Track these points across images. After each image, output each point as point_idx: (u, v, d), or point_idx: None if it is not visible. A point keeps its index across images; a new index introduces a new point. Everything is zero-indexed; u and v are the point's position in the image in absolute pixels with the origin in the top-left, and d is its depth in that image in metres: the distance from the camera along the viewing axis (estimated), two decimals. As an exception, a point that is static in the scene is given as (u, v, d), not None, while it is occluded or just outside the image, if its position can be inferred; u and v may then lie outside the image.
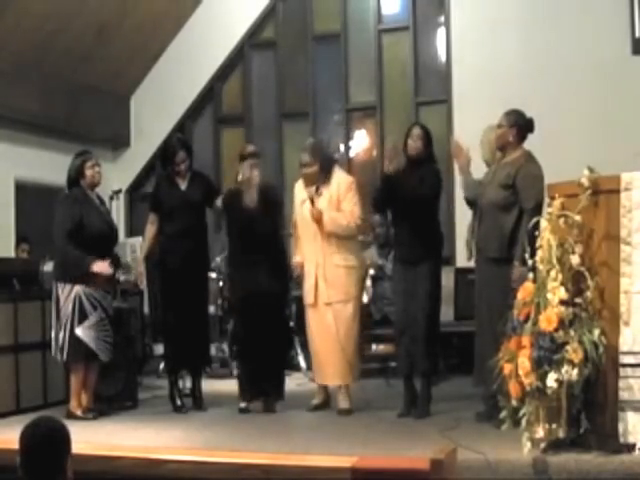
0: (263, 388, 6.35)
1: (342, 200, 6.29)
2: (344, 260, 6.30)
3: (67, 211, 6.29)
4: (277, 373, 6.45)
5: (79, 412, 6.16)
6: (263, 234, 6.34)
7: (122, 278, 8.22)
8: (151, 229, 6.67)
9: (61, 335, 6.21)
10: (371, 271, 8.12)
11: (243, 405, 6.34)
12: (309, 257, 6.39)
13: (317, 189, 6.32)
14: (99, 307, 6.26)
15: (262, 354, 6.27)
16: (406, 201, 5.96)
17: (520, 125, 5.57)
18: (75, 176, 6.38)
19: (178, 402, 6.51)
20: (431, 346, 5.92)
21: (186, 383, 6.83)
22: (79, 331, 6.18)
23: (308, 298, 6.39)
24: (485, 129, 6.27)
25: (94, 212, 6.36)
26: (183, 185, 6.64)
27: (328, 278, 6.27)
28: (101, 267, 6.19)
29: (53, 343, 6.29)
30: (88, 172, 6.37)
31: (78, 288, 6.19)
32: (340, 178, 6.43)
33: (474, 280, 5.79)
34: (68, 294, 6.20)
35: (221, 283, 8.46)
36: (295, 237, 6.62)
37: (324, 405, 6.45)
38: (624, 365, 4.31)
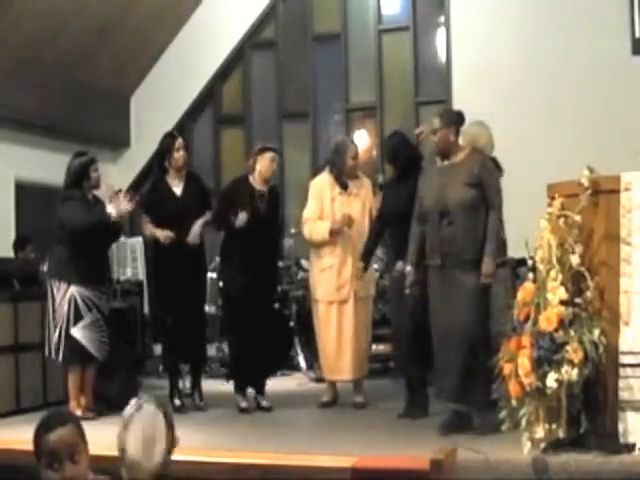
0: (256, 374, 6.43)
1: (371, 206, 6.50)
2: None
3: (79, 209, 6.26)
4: (268, 367, 6.60)
5: (79, 412, 6.15)
6: (270, 230, 6.50)
7: (122, 278, 8.24)
8: (150, 224, 6.55)
9: (56, 335, 6.22)
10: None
11: (244, 405, 6.36)
12: (340, 254, 6.45)
13: (346, 187, 6.52)
14: (94, 308, 6.25)
15: (255, 347, 6.33)
16: (396, 215, 5.98)
17: (455, 122, 5.44)
18: (78, 177, 6.34)
19: (178, 402, 6.51)
20: (420, 347, 5.81)
21: (186, 383, 6.83)
22: (74, 332, 6.18)
23: (340, 294, 6.43)
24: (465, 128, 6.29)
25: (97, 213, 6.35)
26: (178, 189, 6.54)
27: (358, 274, 6.36)
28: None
29: (48, 343, 6.29)
30: (93, 175, 6.37)
31: (73, 288, 6.19)
32: (366, 181, 6.72)
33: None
34: (64, 294, 6.20)
35: (221, 283, 8.45)
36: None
37: (333, 402, 6.52)
38: (624, 365, 4.30)
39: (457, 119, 5.46)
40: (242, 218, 6.31)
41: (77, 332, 6.19)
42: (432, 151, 5.51)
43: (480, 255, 5.18)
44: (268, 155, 6.48)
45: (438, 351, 5.32)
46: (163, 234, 6.40)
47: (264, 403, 6.41)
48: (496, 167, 6.05)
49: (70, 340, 6.19)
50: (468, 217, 5.23)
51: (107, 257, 6.58)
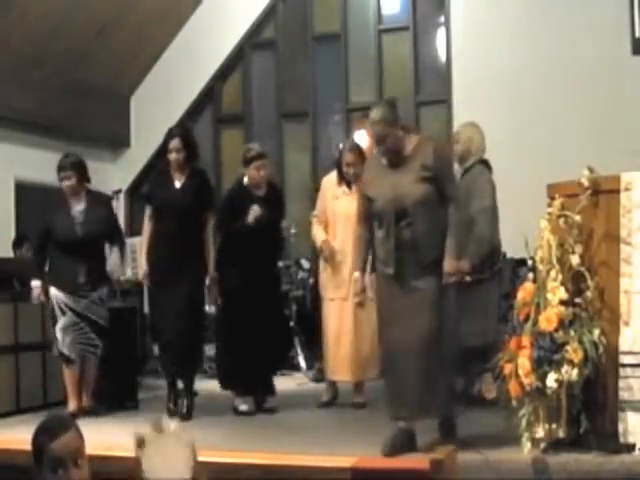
0: (254, 383, 6.35)
1: None
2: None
3: (52, 213, 6.38)
4: (269, 369, 6.51)
5: (79, 412, 6.16)
6: (270, 233, 6.42)
7: (122, 278, 8.23)
8: (149, 224, 6.45)
9: (51, 333, 6.36)
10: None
11: (244, 408, 6.29)
12: (341, 253, 6.44)
13: (351, 186, 6.45)
14: (69, 311, 6.25)
15: (256, 349, 6.25)
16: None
17: (396, 115, 4.77)
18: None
19: (172, 406, 6.37)
20: None
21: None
22: (56, 332, 6.27)
23: (339, 292, 6.44)
24: (459, 129, 6.28)
25: (63, 217, 6.30)
26: (179, 182, 6.38)
27: None
28: (34, 289, 6.34)
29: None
30: (63, 183, 6.33)
31: (53, 291, 6.27)
32: None
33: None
34: (49, 294, 6.32)
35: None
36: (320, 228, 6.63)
37: (333, 400, 6.54)
38: (624, 365, 4.31)
39: (394, 109, 4.79)
40: (255, 211, 6.25)
41: (58, 333, 6.26)
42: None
43: (441, 254, 4.64)
44: (252, 166, 6.38)
45: (390, 368, 4.77)
46: (143, 273, 6.41)
47: (268, 405, 6.36)
48: (486, 168, 6.05)
49: (56, 339, 6.28)
50: (429, 215, 4.65)
51: (83, 261, 6.30)
